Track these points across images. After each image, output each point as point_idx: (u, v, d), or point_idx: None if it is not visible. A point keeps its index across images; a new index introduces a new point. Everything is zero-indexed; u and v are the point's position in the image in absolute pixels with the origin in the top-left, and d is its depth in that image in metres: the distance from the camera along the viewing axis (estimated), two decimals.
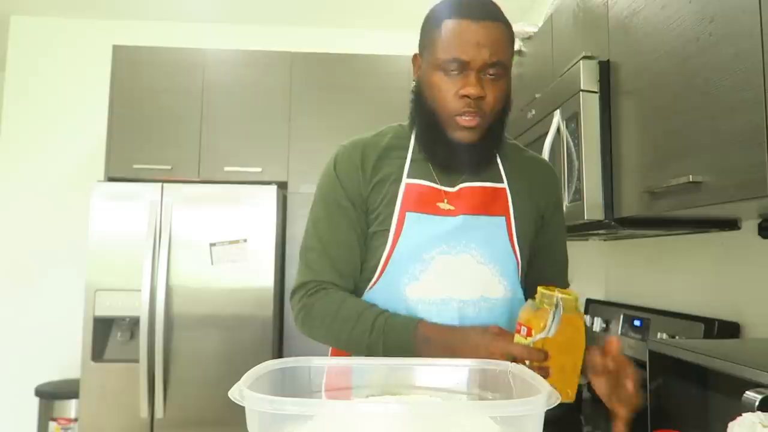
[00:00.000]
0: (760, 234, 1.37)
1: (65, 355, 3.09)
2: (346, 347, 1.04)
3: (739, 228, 1.44)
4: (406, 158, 1.11)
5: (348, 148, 1.13)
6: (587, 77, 1.42)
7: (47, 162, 3.29)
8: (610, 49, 1.42)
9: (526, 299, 1.12)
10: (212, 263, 2.57)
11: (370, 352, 1.00)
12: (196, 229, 2.58)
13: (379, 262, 1.05)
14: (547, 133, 1.56)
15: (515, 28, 2.27)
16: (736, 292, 1.49)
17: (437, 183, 1.09)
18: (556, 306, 0.86)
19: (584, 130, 1.41)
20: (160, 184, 2.60)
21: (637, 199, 1.29)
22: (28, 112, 3.30)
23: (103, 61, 3.01)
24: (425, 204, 1.06)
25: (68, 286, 3.14)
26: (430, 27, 1.06)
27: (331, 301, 1.05)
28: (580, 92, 1.41)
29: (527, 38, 2.22)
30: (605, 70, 1.42)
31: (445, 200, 1.07)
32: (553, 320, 0.85)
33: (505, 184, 1.12)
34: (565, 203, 1.51)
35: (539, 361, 0.86)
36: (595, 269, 2.26)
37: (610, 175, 1.40)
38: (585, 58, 1.44)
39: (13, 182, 3.27)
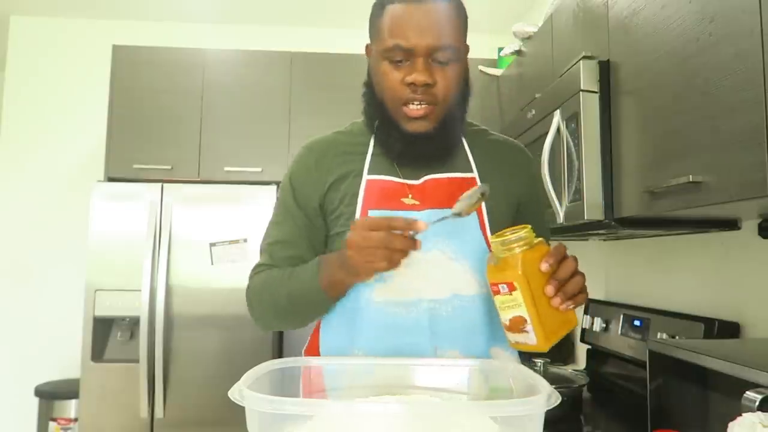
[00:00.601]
0: (760, 234, 1.37)
1: (65, 355, 3.09)
2: (276, 310, 1.04)
3: (739, 228, 1.44)
4: (366, 153, 1.07)
5: (304, 150, 1.11)
6: (587, 77, 1.42)
7: (47, 162, 3.29)
8: (610, 49, 1.42)
9: None
10: (212, 263, 2.57)
11: (290, 303, 1.00)
12: (196, 229, 2.58)
13: None
14: (547, 133, 1.56)
15: (515, 28, 2.29)
16: (736, 292, 1.49)
17: (400, 177, 1.04)
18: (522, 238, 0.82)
19: (584, 130, 1.41)
20: (160, 184, 2.60)
21: (637, 199, 1.29)
22: (28, 112, 3.30)
23: (103, 61, 3.00)
24: (388, 200, 1.01)
25: (68, 286, 3.13)
26: (374, 15, 1.02)
27: (262, 276, 1.06)
28: (580, 92, 1.41)
29: (527, 38, 2.22)
30: (605, 70, 1.42)
31: (410, 195, 1.02)
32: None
33: (474, 173, 1.06)
34: (565, 203, 1.51)
35: (415, 228, 0.82)
36: (595, 269, 2.26)
37: (610, 175, 1.40)
38: (585, 58, 1.43)
39: (13, 182, 3.27)
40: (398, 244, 0.82)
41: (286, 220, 1.08)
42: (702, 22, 1.05)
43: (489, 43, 3.19)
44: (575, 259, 0.85)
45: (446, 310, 0.99)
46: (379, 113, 1.02)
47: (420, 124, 0.98)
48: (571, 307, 0.84)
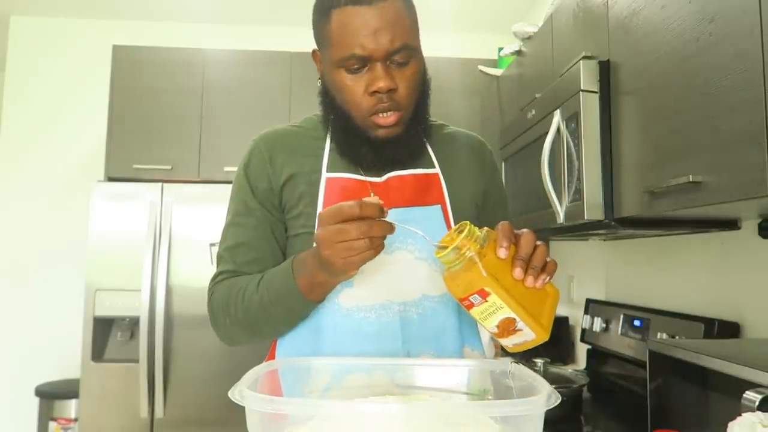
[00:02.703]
0: (760, 234, 1.37)
1: (65, 355, 3.09)
2: (245, 322, 0.96)
3: (739, 228, 1.44)
4: (323, 148, 1.01)
5: (258, 142, 1.05)
6: (587, 77, 1.42)
7: (47, 162, 3.29)
8: (610, 49, 1.42)
9: None
10: (212, 263, 2.56)
11: (264, 311, 0.92)
12: (196, 229, 2.58)
13: None
14: (547, 133, 1.56)
15: (515, 28, 2.28)
16: (736, 292, 1.49)
17: (361, 174, 0.98)
18: (471, 237, 0.73)
19: (584, 130, 1.41)
20: (160, 184, 2.60)
21: (637, 199, 1.29)
22: (28, 112, 3.30)
23: (103, 61, 3.01)
24: (350, 200, 0.96)
25: (68, 286, 3.14)
26: (318, 19, 0.94)
27: (225, 285, 0.99)
28: (580, 92, 1.41)
29: (527, 38, 2.22)
30: (605, 70, 1.42)
31: (372, 194, 0.97)
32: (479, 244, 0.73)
33: (437, 169, 1.03)
34: (565, 203, 1.51)
35: (384, 212, 0.75)
36: (595, 269, 2.26)
37: (610, 175, 1.40)
38: (585, 58, 1.44)
39: (12, 182, 3.27)
40: (378, 231, 0.76)
41: (246, 221, 1.01)
42: (702, 22, 1.05)
43: (489, 43, 3.19)
44: (530, 232, 0.78)
45: (417, 312, 0.96)
46: (341, 123, 0.97)
47: (390, 130, 0.94)
48: (547, 280, 0.77)
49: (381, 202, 0.77)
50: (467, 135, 1.13)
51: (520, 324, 0.74)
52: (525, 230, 0.79)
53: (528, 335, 0.76)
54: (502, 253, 0.74)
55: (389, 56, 0.89)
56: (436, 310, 0.97)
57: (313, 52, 1.00)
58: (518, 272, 0.74)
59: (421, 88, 0.97)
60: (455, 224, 0.97)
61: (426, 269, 0.97)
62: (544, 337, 0.76)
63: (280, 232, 1.01)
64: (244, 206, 1.01)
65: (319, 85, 1.01)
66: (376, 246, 0.77)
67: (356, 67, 0.90)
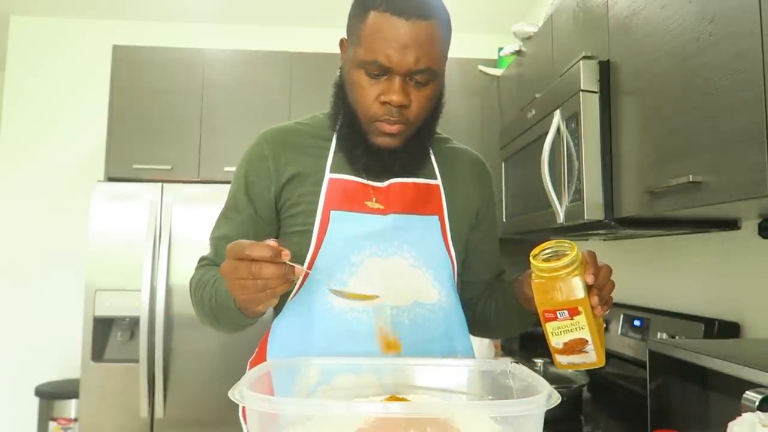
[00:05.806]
0: (760, 234, 1.37)
1: (65, 355, 3.09)
2: (203, 315, 0.99)
3: (739, 228, 1.44)
4: (328, 149, 1.03)
5: (260, 140, 1.06)
6: (587, 77, 1.42)
7: (47, 162, 3.29)
8: (610, 49, 1.42)
9: (462, 305, 1.05)
10: None
11: (213, 312, 0.95)
12: (196, 229, 2.57)
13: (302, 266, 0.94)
14: (547, 133, 1.56)
15: (515, 28, 2.28)
16: (736, 292, 1.49)
17: (364, 178, 1.00)
18: (572, 261, 0.76)
19: (584, 130, 1.41)
20: (160, 184, 2.60)
21: (637, 199, 1.29)
22: (28, 112, 3.30)
23: (103, 61, 3.01)
24: (351, 202, 0.98)
25: (68, 286, 3.13)
26: (355, 14, 0.95)
27: (200, 272, 1.03)
28: (580, 92, 1.41)
29: (527, 38, 2.22)
30: (605, 70, 1.42)
31: (374, 198, 0.99)
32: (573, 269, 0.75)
33: (438, 181, 1.05)
34: (565, 203, 1.51)
35: (282, 257, 0.74)
36: None
37: (610, 175, 1.40)
38: (585, 58, 1.43)
39: (13, 182, 3.26)
40: (268, 274, 0.73)
41: (235, 215, 1.05)
42: (702, 22, 1.05)
43: (489, 43, 3.19)
44: (608, 266, 0.83)
45: (408, 317, 0.97)
46: (348, 120, 0.99)
47: (390, 141, 0.96)
48: (607, 311, 0.82)
49: (275, 245, 0.74)
50: (470, 153, 1.15)
51: (589, 347, 0.78)
52: (605, 264, 0.83)
53: (590, 358, 0.79)
54: (591, 279, 0.77)
55: (410, 74, 0.90)
56: (427, 317, 0.98)
57: (341, 41, 1.01)
58: (596, 300, 0.78)
59: (433, 110, 0.98)
60: (450, 236, 1.01)
61: (420, 277, 0.98)
62: (603, 362, 0.81)
63: (264, 230, 1.03)
64: (234, 202, 1.06)
65: (337, 75, 1.03)
66: (272, 287, 0.75)
67: (376, 73, 0.91)
